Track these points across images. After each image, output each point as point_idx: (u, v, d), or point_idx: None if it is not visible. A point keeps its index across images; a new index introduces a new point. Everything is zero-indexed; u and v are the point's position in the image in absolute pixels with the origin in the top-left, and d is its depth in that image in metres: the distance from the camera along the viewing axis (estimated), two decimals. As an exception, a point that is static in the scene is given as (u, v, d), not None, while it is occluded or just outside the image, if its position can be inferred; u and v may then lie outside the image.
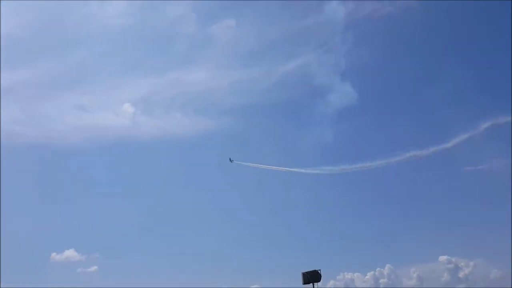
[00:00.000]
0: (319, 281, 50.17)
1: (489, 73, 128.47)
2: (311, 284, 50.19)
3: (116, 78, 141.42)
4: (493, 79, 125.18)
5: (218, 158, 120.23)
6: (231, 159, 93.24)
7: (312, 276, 50.24)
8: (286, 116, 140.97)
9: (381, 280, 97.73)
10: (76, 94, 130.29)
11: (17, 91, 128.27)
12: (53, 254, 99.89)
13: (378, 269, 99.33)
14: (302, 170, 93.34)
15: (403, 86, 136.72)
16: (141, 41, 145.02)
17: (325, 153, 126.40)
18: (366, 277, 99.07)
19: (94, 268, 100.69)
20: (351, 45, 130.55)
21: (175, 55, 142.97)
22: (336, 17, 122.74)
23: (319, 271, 50.43)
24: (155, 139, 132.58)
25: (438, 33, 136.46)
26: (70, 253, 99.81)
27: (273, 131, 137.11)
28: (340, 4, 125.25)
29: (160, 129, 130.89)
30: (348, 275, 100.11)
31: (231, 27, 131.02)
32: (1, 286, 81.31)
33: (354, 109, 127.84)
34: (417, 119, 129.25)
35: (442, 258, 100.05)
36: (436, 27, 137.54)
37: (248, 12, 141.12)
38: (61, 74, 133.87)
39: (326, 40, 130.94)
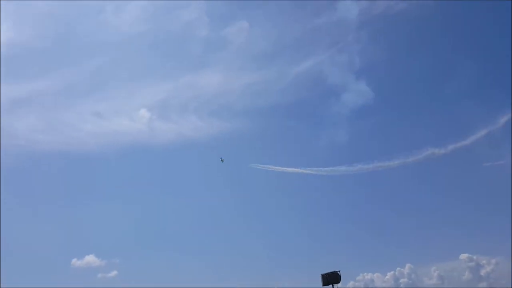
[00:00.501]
0: (339, 282, 49.99)
1: (504, 67, 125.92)
2: (330, 286, 50.16)
3: (131, 84, 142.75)
4: (508, 73, 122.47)
5: (235, 160, 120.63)
6: (222, 159, 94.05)
7: (332, 278, 50.03)
8: (302, 117, 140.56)
9: (402, 280, 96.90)
10: (93, 101, 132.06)
11: (36, 100, 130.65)
12: (74, 260, 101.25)
13: (398, 268, 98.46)
14: (318, 172, 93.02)
15: (419, 83, 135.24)
16: (156, 47, 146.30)
17: (341, 153, 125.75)
18: (386, 277, 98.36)
19: (114, 273, 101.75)
20: (365, 43, 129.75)
21: (189, 59, 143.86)
22: (349, 16, 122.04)
23: (338, 272, 50.20)
24: (171, 143, 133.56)
25: (453, 28, 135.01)
26: (90, 258, 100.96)
27: (288, 132, 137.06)
28: (353, 2, 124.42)
29: (176, 133, 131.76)
30: (368, 276, 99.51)
31: (244, 29, 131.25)
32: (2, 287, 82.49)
33: (370, 108, 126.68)
34: (434, 116, 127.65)
35: (463, 256, 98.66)
36: (451, 22, 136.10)
37: (261, 14, 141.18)
38: (78, 82, 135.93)
39: (340, 39, 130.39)
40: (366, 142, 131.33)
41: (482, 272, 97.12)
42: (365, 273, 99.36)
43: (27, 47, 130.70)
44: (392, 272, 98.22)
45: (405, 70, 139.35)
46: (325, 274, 50.32)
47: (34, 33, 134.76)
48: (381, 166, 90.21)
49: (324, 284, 50.37)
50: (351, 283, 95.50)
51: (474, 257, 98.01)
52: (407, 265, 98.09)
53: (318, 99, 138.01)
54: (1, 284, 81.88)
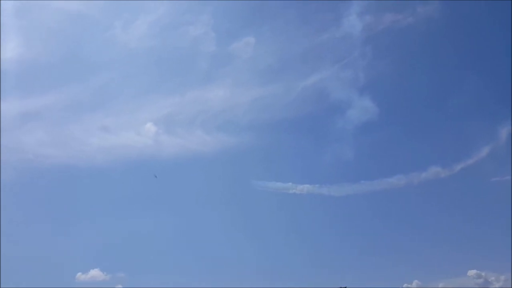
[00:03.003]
0: (344, 298, 49.96)
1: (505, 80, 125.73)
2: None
3: (138, 98, 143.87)
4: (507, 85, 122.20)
5: (240, 175, 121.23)
6: (156, 176, 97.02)
7: (337, 294, 50.02)
8: (307, 132, 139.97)
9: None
10: (100, 116, 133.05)
11: (44, 115, 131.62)
12: (79, 274, 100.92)
13: (405, 285, 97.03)
14: (322, 190, 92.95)
15: (425, 99, 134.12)
16: (163, 62, 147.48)
17: (346, 170, 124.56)
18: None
19: (119, 287, 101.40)
20: (371, 59, 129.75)
21: (196, 74, 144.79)
22: (354, 31, 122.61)
23: (344, 289, 50.27)
24: (178, 157, 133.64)
25: (459, 42, 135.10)
26: (95, 272, 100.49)
27: (294, 147, 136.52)
28: (359, 17, 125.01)
29: (182, 147, 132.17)
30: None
31: (251, 45, 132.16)
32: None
33: (375, 124, 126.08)
34: (439, 132, 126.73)
35: (471, 272, 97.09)
36: (458, 37, 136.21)
37: (267, 29, 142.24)
38: (85, 97, 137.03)
39: (345, 55, 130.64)
40: (371, 160, 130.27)
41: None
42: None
43: (36, 62, 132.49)
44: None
45: (410, 85, 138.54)
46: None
47: (43, 49, 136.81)
48: (386, 183, 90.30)
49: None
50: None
51: (483, 274, 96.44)
52: (415, 281, 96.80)
53: (324, 115, 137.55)
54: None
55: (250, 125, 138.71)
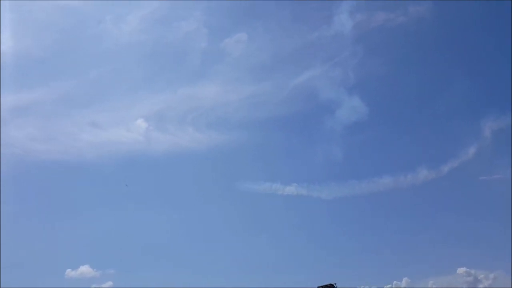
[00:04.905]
0: (335, 295, 50.09)
1: (496, 79, 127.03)
2: (326, 298, 50.20)
3: (129, 94, 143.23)
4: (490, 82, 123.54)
5: (230, 173, 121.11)
6: (127, 184, 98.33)
7: (328, 290, 50.15)
8: (297, 131, 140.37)
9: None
10: (91, 112, 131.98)
11: (34, 110, 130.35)
12: (68, 271, 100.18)
13: (395, 282, 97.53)
14: (312, 190, 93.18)
15: (414, 98, 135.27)
16: (154, 58, 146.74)
17: (334, 169, 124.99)
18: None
19: (109, 283, 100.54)
20: (362, 58, 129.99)
21: (187, 70, 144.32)
22: (346, 30, 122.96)
23: (334, 285, 50.30)
24: (168, 154, 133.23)
25: (450, 42, 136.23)
26: (84, 269, 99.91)
27: (283, 146, 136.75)
28: (350, 16, 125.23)
29: (173, 144, 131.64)
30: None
31: (243, 41, 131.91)
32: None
33: (365, 124, 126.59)
34: (428, 131, 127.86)
35: (461, 270, 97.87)
36: (449, 37, 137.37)
37: (260, 26, 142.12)
38: (76, 92, 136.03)
39: (336, 53, 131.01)
40: (360, 159, 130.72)
41: (480, 286, 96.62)
42: (362, 286, 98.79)
43: (27, 56, 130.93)
44: (389, 286, 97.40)
45: (401, 84, 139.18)
46: (321, 286, 50.42)
47: (34, 43, 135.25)
48: (375, 182, 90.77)
49: (320, 297, 50.48)
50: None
51: (472, 271, 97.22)
52: (404, 279, 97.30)
53: (314, 113, 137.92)
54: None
55: (240, 123, 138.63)
